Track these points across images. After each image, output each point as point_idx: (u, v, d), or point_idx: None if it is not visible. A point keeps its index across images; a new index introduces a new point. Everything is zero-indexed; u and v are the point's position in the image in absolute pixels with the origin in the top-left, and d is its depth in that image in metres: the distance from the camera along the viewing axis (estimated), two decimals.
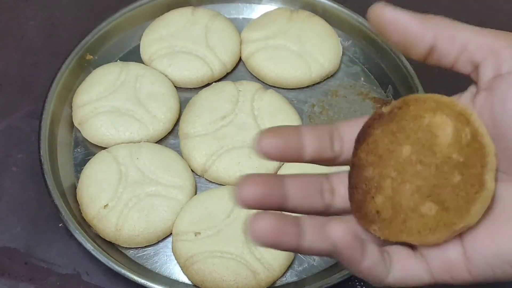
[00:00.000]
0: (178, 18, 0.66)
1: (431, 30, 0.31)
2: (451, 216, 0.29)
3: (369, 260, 0.29)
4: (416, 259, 0.30)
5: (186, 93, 0.63)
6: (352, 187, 0.32)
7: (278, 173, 0.56)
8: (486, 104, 0.30)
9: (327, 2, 0.67)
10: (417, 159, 0.30)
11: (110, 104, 0.59)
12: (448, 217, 0.29)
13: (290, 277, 0.52)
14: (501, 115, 0.29)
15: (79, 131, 0.59)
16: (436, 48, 0.31)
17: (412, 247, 0.31)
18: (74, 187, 0.56)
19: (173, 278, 0.52)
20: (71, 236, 0.52)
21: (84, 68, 0.63)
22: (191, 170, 0.57)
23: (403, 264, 0.30)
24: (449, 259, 0.29)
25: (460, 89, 0.35)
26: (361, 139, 0.32)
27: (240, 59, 0.66)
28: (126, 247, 0.53)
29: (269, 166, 0.56)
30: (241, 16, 0.69)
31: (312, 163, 0.33)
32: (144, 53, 0.64)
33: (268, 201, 0.30)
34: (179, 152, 0.58)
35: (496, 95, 0.29)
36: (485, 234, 0.29)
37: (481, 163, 0.28)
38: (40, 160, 0.55)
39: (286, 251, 0.31)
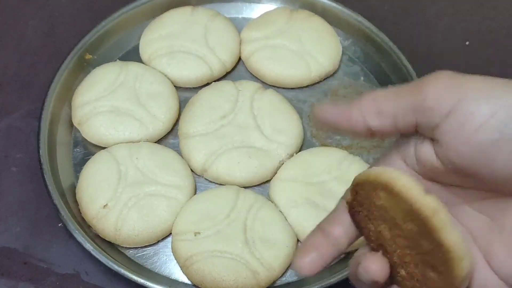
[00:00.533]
0: (177, 17, 0.65)
1: (359, 116, 0.31)
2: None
3: None
4: None
5: (185, 92, 0.63)
6: None
7: (278, 174, 0.56)
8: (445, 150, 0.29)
9: (326, 1, 0.67)
10: (396, 234, 0.30)
11: (109, 103, 0.59)
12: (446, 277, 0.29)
13: (290, 277, 0.52)
14: (466, 152, 0.28)
15: (79, 131, 0.59)
16: (372, 127, 0.32)
17: None
18: (73, 187, 0.56)
19: (172, 278, 0.52)
20: (71, 236, 0.52)
21: (84, 68, 0.63)
22: (191, 169, 0.57)
23: None
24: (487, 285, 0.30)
25: None
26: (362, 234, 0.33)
27: (239, 59, 0.66)
28: (125, 247, 0.53)
29: (269, 166, 0.56)
30: (240, 16, 0.69)
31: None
32: (144, 52, 0.64)
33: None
34: (179, 151, 0.58)
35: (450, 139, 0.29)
36: (508, 258, 0.29)
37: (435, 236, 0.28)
38: (40, 160, 0.54)
39: None
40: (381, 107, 0.31)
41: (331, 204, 0.53)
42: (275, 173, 0.56)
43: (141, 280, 0.49)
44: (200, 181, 0.57)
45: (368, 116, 0.31)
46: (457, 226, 0.30)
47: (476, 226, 0.31)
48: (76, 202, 0.55)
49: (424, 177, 0.32)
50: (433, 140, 0.30)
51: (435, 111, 0.29)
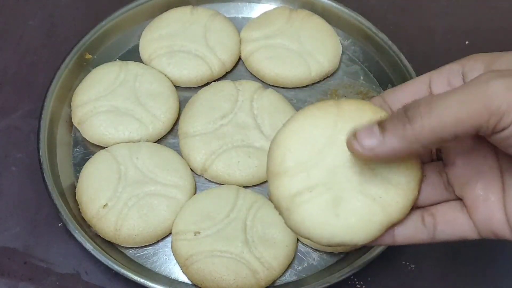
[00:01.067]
0: (177, 17, 0.65)
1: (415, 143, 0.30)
2: None
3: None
4: (463, 217, 0.33)
5: (185, 92, 0.63)
6: None
7: None
8: None
9: (326, 1, 0.67)
10: None
11: (109, 103, 0.59)
12: None
13: (289, 277, 0.52)
14: None
15: (79, 130, 0.59)
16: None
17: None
18: (73, 187, 0.56)
19: (172, 277, 0.52)
20: (71, 235, 0.52)
21: (83, 68, 0.63)
22: (191, 169, 0.57)
23: (451, 226, 0.33)
24: (494, 224, 0.32)
25: None
26: None
27: (239, 59, 0.66)
28: (125, 247, 0.53)
29: None
30: (240, 15, 0.69)
31: None
32: (144, 52, 0.64)
33: None
34: (179, 151, 0.58)
35: None
36: None
37: None
38: (40, 160, 0.54)
39: None
40: (442, 128, 0.29)
41: None
42: None
43: (141, 280, 0.49)
44: (200, 180, 0.57)
45: (426, 141, 0.29)
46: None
47: (507, 162, 0.32)
48: (76, 201, 0.55)
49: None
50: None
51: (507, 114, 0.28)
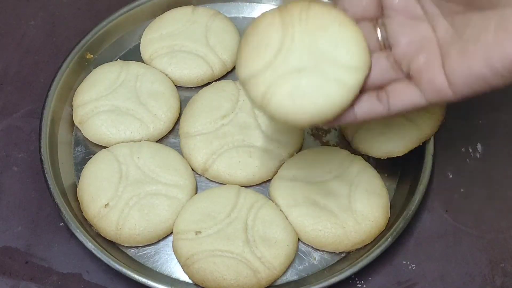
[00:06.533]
0: (178, 17, 0.66)
1: None
2: None
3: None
4: (411, 88, 0.39)
5: (186, 92, 0.63)
6: None
7: (278, 173, 0.56)
8: None
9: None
10: None
11: (110, 103, 0.59)
12: None
13: (290, 276, 0.52)
14: None
15: (80, 130, 0.59)
16: None
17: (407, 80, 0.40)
18: (74, 186, 0.56)
19: (173, 277, 0.52)
20: (72, 235, 0.52)
21: (84, 67, 0.63)
22: (192, 169, 0.57)
23: (402, 97, 0.39)
24: (437, 85, 0.37)
25: None
26: None
27: None
28: (126, 246, 0.53)
29: (270, 166, 0.56)
30: (241, 15, 0.69)
31: None
32: (144, 52, 0.64)
33: None
34: (180, 151, 0.58)
35: None
36: (458, 60, 0.36)
37: None
38: (41, 159, 0.55)
39: None
40: None
41: (331, 204, 0.53)
42: (276, 172, 0.56)
43: (142, 279, 0.49)
44: (200, 180, 0.58)
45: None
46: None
47: (443, 35, 0.38)
48: (77, 201, 0.55)
49: None
50: None
51: None
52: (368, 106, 0.40)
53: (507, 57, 0.34)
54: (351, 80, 0.38)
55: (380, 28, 0.42)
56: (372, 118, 0.40)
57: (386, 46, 0.42)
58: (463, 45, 0.36)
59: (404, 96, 0.39)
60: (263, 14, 0.41)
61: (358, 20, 0.41)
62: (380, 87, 0.40)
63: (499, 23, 0.34)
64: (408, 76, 0.40)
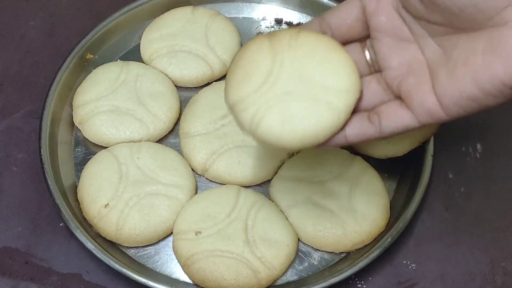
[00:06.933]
0: (178, 17, 0.66)
1: None
2: None
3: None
4: (402, 110, 0.38)
5: (186, 92, 0.63)
6: None
7: (278, 173, 0.56)
8: None
9: (326, 1, 0.67)
10: None
11: (110, 103, 0.59)
12: None
13: (290, 276, 0.52)
14: None
15: (80, 130, 0.59)
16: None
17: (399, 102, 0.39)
18: (74, 187, 0.56)
19: (173, 277, 0.52)
20: (72, 235, 0.52)
21: (84, 68, 0.63)
22: (192, 169, 0.57)
23: (394, 118, 0.39)
24: (428, 107, 0.37)
25: None
26: None
27: None
28: (126, 246, 0.53)
29: (270, 166, 0.56)
30: (241, 15, 0.69)
31: None
32: (144, 52, 0.64)
33: None
34: (180, 151, 0.58)
35: None
36: (447, 81, 0.36)
37: None
38: (41, 160, 0.55)
39: None
40: None
41: (331, 204, 0.53)
42: (276, 172, 0.56)
43: (142, 280, 0.49)
44: (201, 180, 0.58)
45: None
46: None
47: (431, 56, 0.38)
48: (77, 201, 0.55)
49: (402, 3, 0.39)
50: None
51: None
52: (359, 128, 0.39)
53: (497, 78, 0.34)
54: (342, 103, 0.38)
55: (368, 50, 0.42)
56: (364, 140, 0.40)
57: (375, 67, 0.42)
58: (452, 66, 0.36)
59: (396, 118, 0.39)
60: (253, 40, 0.40)
61: (346, 42, 0.41)
62: (371, 109, 0.40)
63: (487, 44, 0.34)
64: (399, 98, 0.39)
